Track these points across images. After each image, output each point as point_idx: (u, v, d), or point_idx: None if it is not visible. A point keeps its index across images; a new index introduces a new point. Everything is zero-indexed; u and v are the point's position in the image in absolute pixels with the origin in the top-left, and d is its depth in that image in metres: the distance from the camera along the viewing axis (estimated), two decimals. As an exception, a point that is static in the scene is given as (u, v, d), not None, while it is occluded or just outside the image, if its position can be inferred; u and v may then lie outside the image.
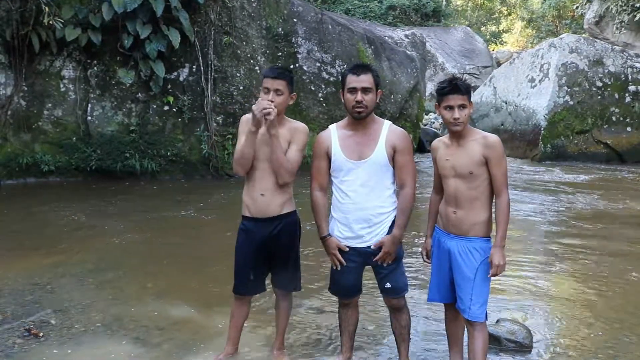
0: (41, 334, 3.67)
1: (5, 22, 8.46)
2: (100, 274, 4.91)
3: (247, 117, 3.18)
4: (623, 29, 18.66)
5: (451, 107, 2.90)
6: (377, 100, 3.07)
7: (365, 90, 2.96)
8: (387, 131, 3.04)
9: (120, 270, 5.05)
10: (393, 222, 3.06)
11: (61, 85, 9.12)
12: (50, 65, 9.04)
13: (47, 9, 7.84)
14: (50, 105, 9.07)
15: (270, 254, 3.23)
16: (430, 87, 18.88)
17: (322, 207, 3.12)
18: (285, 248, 3.24)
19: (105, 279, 4.81)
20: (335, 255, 3.07)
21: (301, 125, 3.23)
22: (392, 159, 3.02)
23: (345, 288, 3.20)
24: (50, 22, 7.95)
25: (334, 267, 3.14)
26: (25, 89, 8.94)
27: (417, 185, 3.21)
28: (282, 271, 3.29)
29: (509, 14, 37.49)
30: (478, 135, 2.97)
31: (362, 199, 3.00)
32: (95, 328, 3.81)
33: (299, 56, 10.18)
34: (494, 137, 2.95)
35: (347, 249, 3.06)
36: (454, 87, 2.89)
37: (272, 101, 3.03)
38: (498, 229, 2.90)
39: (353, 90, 2.97)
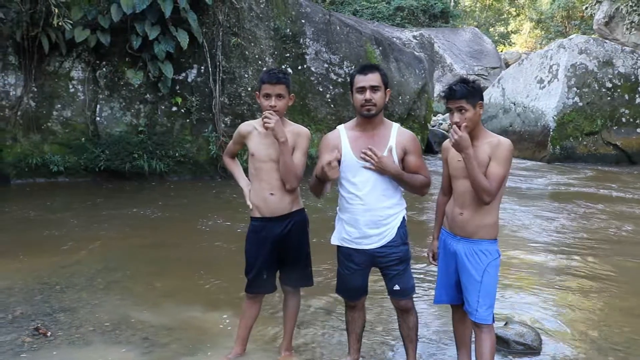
0: (49, 333, 3.69)
1: (15, 24, 8.52)
2: (109, 274, 4.94)
3: (244, 127, 3.30)
4: (633, 29, 18.54)
5: (450, 110, 2.91)
6: (387, 100, 3.07)
7: (373, 88, 2.97)
8: (396, 133, 3.04)
9: (128, 270, 5.08)
10: (401, 222, 3.06)
11: (70, 86, 9.17)
12: (59, 66, 9.10)
13: (56, 10, 7.89)
14: (59, 106, 9.13)
15: (281, 252, 3.25)
16: (439, 88, 18.84)
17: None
18: (297, 245, 3.27)
19: (113, 279, 4.84)
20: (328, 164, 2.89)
21: (303, 130, 3.26)
22: (402, 161, 3.01)
23: (351, 290, 3.19)
24: (60, 24, 7.99)
25: (341, 270, 3.14)
26: (35, 89, 8.99)
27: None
28: (293, 268, 3.31)
29: (518, 15, 37.38)
30: (492, 138, 2.94)
31: (372, 200, 2.99)
32: (104, 328, 3.83)
33: (307, 57, 10.18)
34: (505, 140, 2.92)
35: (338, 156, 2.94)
36: (449, 90, 2.89)
37: (274, 106, 3.10)
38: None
39: (362, 89, 2.97)
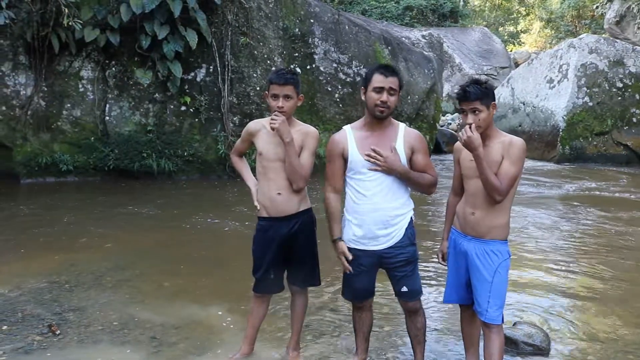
0: (58, 331, 3.71)
1: (26, 24, 8.57)
2: (118, 273, 4.96)
3: (252, 125, 3.31)
4: (644, 29, 18.39)
5: (463, 111, 2.90)
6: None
7: (391, 91, 2.96)
8: (403, 133, 3.04)
9: (137, 269, 5.09)
10: (409, 223, 3.05)
11: (80, 86, 9.21)
12: (69, 66, 9.14)
13: (66, 10, 7.93)
14: (69, 105, 9.17)
15: (288, 252, 3.25)
16: (447, 88, 18.78)
17: (335, 211, 3.10)
18: (304, 245, 3.26)
19: (122, 277, 4.86)
20: (343, 255, 3.06)
21: (312, 130, 3.26)
22: (409, 160, 3.01)
23: (358, 291, 3.18)
24: (70, 23, 8.03)
25: (347, 272, 3.13)
26: (45, 89, 9.04)
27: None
28: (300, 268, 3.31)
29: (527, 14, 37.16)
30: (504, 137, 2.93)
31: (380, 200, 2.98)
32: (112, 327, 3.85)
33: (316, 57, 10.18)
34: (517, 139, 2.91)
35: (352, 257, 3.04)
36: (463, 92, 2.88)
37: (281, 107, 3.10)
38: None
39: (380, 89, 2.96)
